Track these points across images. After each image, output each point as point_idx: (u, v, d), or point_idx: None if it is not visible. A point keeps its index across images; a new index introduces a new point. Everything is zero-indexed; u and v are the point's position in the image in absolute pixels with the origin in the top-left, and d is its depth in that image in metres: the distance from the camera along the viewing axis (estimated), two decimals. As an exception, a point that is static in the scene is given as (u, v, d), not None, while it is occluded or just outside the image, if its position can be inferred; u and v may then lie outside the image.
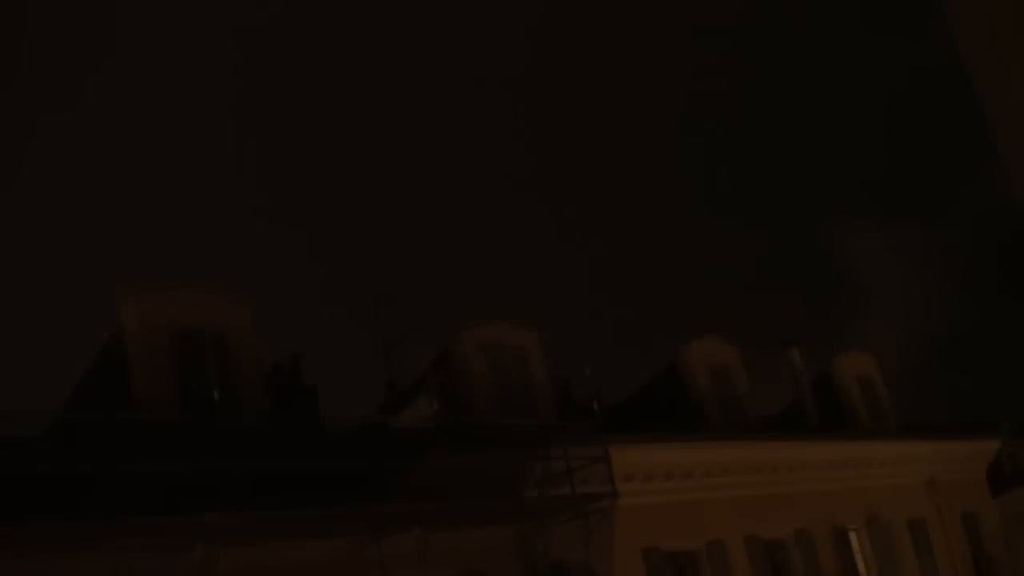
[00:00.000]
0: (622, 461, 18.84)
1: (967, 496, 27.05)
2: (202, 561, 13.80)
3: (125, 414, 14.82)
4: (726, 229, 79.55)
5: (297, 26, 73.98)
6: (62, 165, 69.80)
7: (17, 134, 66.30)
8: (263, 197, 69.16)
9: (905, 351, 63.64)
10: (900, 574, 24.40)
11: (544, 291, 63.96)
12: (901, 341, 63.40)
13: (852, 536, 23.92)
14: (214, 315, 16.62)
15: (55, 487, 13.10)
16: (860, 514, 24.05)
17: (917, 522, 25.30)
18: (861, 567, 23.80)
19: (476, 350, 19.80)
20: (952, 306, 72.65)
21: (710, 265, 76.51)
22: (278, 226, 69.37)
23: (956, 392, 53.17)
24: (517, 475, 18.04)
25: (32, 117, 68.86)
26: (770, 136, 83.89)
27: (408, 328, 21.51)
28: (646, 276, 74.16)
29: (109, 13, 68.81)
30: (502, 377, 19.86)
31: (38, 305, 63.88)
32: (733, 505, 21.55)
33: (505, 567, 17.55)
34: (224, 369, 16.32)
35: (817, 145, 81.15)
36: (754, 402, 24.30)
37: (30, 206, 67.15)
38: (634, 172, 77.77)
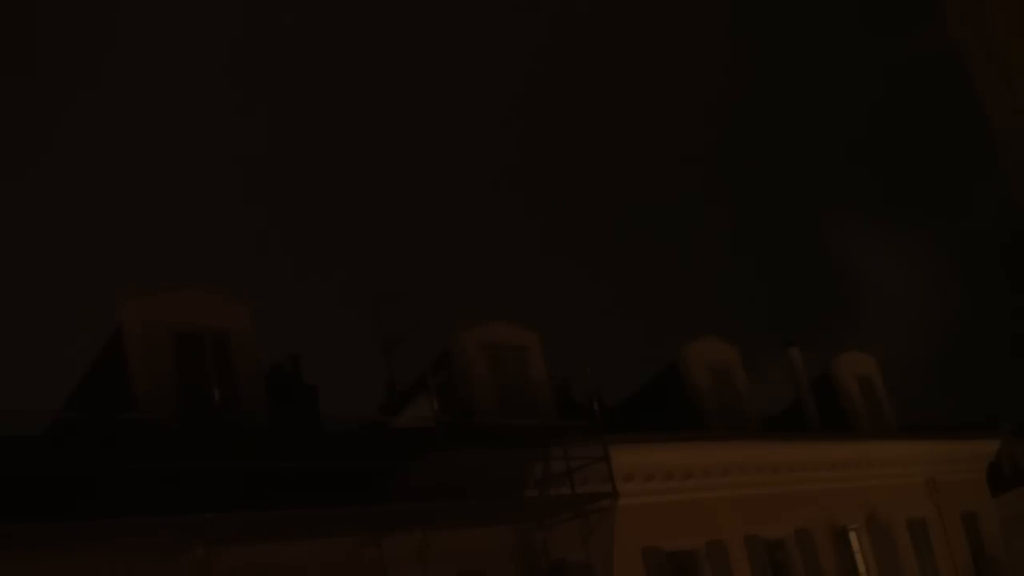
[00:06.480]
0: (622, 461, 18.84)
1: (967, 496, 27.02)
2: (202, 561, 13.80)
3: (125, 414, 14.82)
4: (726, 229, 79.57)
5: (300, 27, 73.98)
6: (62, 166, 69.80)
7: (17, 136, 66.29)
8: (263, 197, 69.22)
9: (905, 351, 63.63)
10: (900, 574, 24.38)
11: (544, 291, 63.94)
12: (901, 341, 63.36)
13: (852, 536, 23.90)
14: (214, 315, 16.61)
15: (55, 487, 13.11)
16: (860, 514, 24.03)
17: (917, 522, 25.29)
18: (861, 567, 23.79)
19: (476, 350, 19.79)
20: (952, 306, 72.65)
21: (710, 265, 76.53)
22: (278, 226, 69.43)
23: (956, 392, 53.19)
24: (517, 475, 18.03)
25: (33, 119, 68.85)
26: (769, 135, 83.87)
27: (408, 328, 21.47)
28: (646, 276, 74.17)
29: (109, 20, 68.83)
30: (502, 377, 19.86)
31: (38, 305, 63.93)
32: (733, 505, 21.54)
33: (505, 567, 17.55)
34: (224, 369, 16.31)
35: (817, 144, 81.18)
36: (754, 402, 24.28)
37: (31, 207, 67.16)
38: (634, 172, 77.78)
